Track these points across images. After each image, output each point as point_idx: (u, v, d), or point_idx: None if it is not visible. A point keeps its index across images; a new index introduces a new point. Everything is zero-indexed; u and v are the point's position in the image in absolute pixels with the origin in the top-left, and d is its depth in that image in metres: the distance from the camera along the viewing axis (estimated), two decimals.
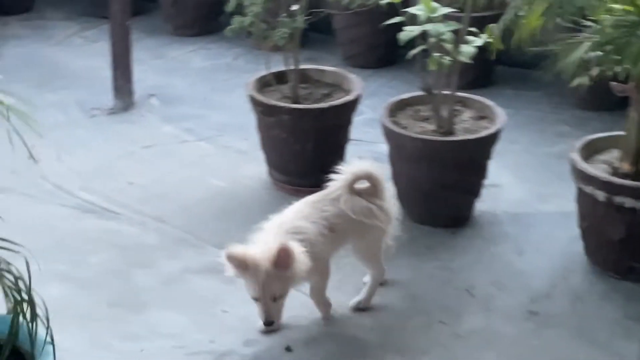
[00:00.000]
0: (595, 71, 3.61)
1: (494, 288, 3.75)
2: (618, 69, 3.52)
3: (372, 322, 3.54)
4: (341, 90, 4.46)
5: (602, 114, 5.01)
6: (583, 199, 3.76)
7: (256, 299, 3.27)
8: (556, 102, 5.25)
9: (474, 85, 5.11)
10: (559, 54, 3.60)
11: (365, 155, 4.59)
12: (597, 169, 3.73)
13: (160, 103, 5.27)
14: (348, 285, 3.67)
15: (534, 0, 3.53)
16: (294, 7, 4.27)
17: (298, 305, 3.51)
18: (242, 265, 3.23)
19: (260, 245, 3.27)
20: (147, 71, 5.60)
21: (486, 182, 4.23)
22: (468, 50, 3.91)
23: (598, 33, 3.50)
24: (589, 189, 3.68)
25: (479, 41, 3.91)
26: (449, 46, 3.90)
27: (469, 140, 4.00)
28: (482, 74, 5.34)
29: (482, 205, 4.26)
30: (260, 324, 3.32)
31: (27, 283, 2.48)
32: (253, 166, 4.55)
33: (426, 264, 3.90)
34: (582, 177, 3.71)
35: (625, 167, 3.72)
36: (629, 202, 3.59)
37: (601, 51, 3.48)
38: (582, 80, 3.66)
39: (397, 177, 4.12)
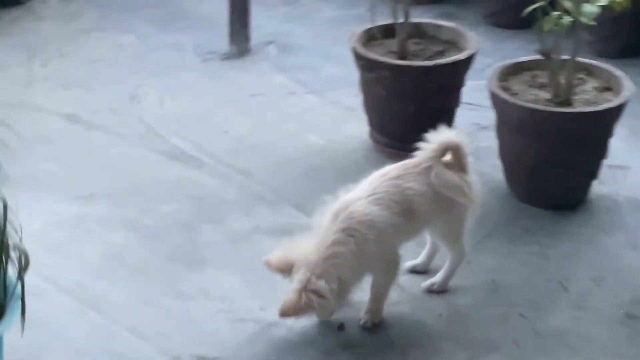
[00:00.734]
0: None
1: (593, 284, 3.29)
2: None
3: (442, 307, 3.17)
4: (457, 48, 4.05)
5: None
6: None
7: None
8: None
9: (623, 54, 4.57)
10: None
11: (478, 121, 4.25)
12: None
13: (278, 51, 4.99)
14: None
15: None
16: None
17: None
18: (286, 272, 2.96)
19: (314, 245, 2.95)
20: (273, 17, 5.34)
21: (609, 162, 3.75)
22: (591, 10, 3.42)
23: None
24: None
25: (603, 0, 3.41)
26: (568, 4, 3.42)
27: (583, 113, 3.52)
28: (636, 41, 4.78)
29: (602, 188, 3.77)
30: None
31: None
32: (356, 125, 4.21)
33: (520, 248, 3.47)
34: None
35: None
36: None
37: None
38: None
39: (502, 150, 3.70)
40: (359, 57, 3.96)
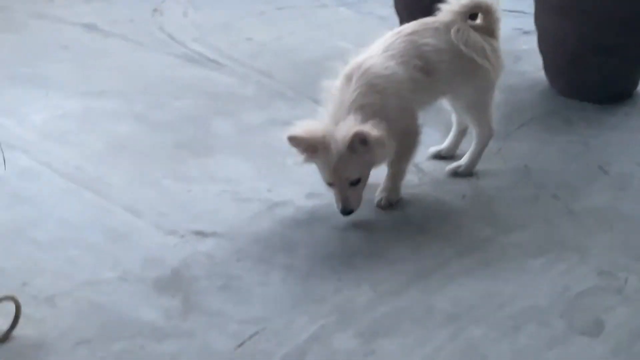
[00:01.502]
0: None
1: (638, 167, 2.97)
2: None
3: (467, 189, 2.89)
4: None
5: None
6: None
7: (330, 184, 2.68)
8: None
9: None
10: None
11: (521, 27, 3.95)
12: None
13: None
14: None
15: None
16: None
17: None
18: (311, 148, 2.64)
19: (331, 116, 2.66)
20: None
21: None
22: None
23: None
24: None
25: None
26: None
27: None
28: None
29: None
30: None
31: None
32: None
33: (559, 137, 3.17)
34: None
35: None
36: None
37: None
38: None
39: (541, 39, 3.40)
40: None
